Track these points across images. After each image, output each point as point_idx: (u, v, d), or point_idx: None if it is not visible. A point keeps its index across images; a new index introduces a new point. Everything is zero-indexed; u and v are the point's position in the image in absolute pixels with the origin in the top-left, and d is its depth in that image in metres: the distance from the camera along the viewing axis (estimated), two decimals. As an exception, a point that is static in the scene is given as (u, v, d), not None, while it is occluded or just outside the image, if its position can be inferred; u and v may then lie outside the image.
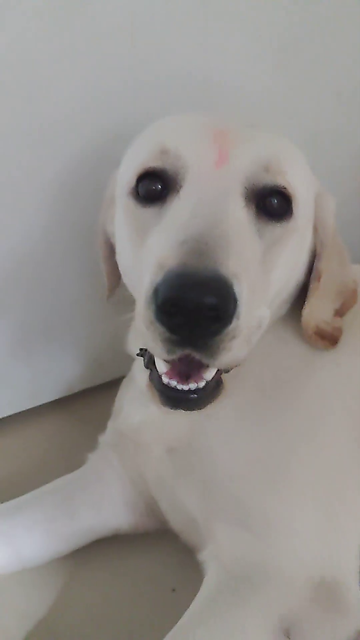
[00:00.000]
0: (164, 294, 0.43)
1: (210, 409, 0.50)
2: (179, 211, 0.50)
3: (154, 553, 0.68)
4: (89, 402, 0.91)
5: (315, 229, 0.60)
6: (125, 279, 0.61)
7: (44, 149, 0.73)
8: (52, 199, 0.76)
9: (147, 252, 0.51)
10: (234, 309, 0.44)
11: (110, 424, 0.73)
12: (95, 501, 0.68)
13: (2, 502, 0.68)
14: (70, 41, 0.69)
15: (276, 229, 0.53)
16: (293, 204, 0.54)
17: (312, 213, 0.59)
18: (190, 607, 0.51)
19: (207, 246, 0.45)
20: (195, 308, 0.42)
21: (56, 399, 0.90)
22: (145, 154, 0.54)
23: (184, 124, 0.56)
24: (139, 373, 0.66)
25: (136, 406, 0.66)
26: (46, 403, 0.89)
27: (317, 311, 0.59)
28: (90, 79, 0.72)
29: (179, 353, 0.45)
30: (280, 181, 0.53)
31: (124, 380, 0.74)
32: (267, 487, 0.54)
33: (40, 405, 0.89)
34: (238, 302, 0.44)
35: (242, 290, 0.45)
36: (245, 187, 0.52)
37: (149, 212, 0.53)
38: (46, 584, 0.65)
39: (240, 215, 0.50)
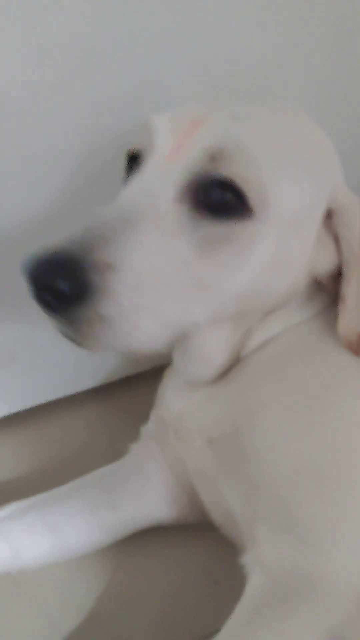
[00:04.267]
0: (27, 273, 0.46)
1: None
2: (124, 190, 0.51)
3: (197, 545, 0.67)
4: (131, 390, 0.89)
5: (336, 243, 0.54)
6: None
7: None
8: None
9: None
10: (85, 294, 0.45)
11: (153, 413, 0.71)
12: (137, 492, 0.67)
13: (42, 492, 0.68)
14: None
15: (217, 227, 0.49)
16: (249, 201, 0.48)
17: (311, 220, 0.53)
18: (233, 615, 0.50)
19: (90, 233, 0.46)
20: (42, 287, 0.45)
21: (98, 386, 0.89)
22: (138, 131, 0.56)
23: (179, 111, 0.54)
24: (177, 362, 0.64)
25: (178, 394, 0.65)
26: (88, 390, 0.88)
27: (352, 325, 0.55)
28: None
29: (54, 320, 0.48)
30: (222, 171, 0.48)
31: (168, 369, 0.73)
32: (315, 494, 0.51)
33: (82, 392, 0.88)
34: (95, 287, 0.45)
35: (113, 279, 0.45)
36: (188, 180, 0.49)
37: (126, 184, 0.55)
38: (91, 574, 0.65)
39: (162, 207, 0.49)
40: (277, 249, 0.51)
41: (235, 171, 0.48)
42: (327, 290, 0.58)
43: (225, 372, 0.60)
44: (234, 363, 0.60)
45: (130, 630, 0.60)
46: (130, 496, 0.66)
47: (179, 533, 0.67)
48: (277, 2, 0.73)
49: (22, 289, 0.48)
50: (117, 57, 0.67)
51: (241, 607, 0.50)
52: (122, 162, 0.60)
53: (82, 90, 0.67)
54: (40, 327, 0.67)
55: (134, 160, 0.56)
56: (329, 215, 0.54)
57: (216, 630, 0.49)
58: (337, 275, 0.56)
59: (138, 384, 0.89)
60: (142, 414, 0.73)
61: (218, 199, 0.48)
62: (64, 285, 0.45)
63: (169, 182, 0.50)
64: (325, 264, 0.55)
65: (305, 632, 0.46)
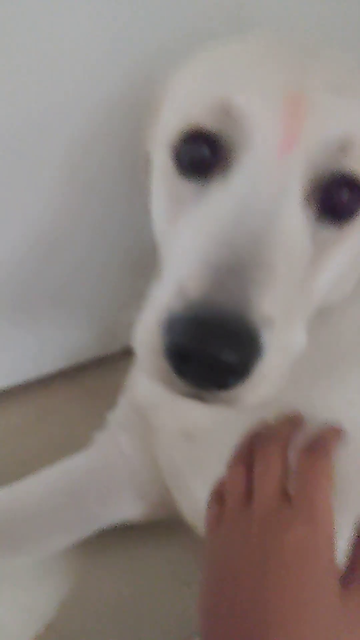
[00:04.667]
0: (175, 338, 0.36)
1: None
2: (222, 208, 0.40)
3: (167, 545, 0.62)
4: (99, 374, 0.83)
5: None
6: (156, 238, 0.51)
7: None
8: (63, 152, 0.67)
9: (176, 244, 0.42)
10: (257, 362, 0.36)
11: (122, 400, 0.66)
12: (102, 487, 0.61)
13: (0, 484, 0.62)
14: None
15: (335, 232, 0.43)
16: None
17: None
18: None
19: (242, 278, 0.36)
20: (209, 361, 0.35)
21: (63, 369, 0.83)
22: (198, 102, 0.42)
23: (252, 73, 0.43)
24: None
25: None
26: (51, 373, 0.82)
27: None
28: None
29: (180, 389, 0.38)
30: (353, 165, 0.41)
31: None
32: None
33: (44, 376, 0.81)
34: (264, 354, 0.36)
35: (273, 338, 0.37)
36: (310, 179, 0.41)
37: (189, 187, 0.43)
38: (50, 578, 0.60)
39: (295, 225, 0.40)
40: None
41: None
42: None
43: None
44: None
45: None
46: (94, 492, 0.61)
47: (146, 532, 0.63)
48: None
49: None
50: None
51: None
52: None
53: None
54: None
55: (191, 139, 0.43)
56: None
57: (188, 636, 0.46)
58: None
59: (106, 366, 0.83)
60: (111, 399, 0.67)
61: (344, 198, 0.42)
62: (235, 356, 0.35)
63: (292, 189, 0.40)
64: None
65: None
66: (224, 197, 0.40)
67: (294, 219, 0.40)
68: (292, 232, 0.39)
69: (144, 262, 0.61)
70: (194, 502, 0.54)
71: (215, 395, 0.37)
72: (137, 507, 0.61)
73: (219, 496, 0.48)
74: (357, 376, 0.51)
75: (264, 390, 0.38)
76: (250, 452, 0.48)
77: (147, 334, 0.38)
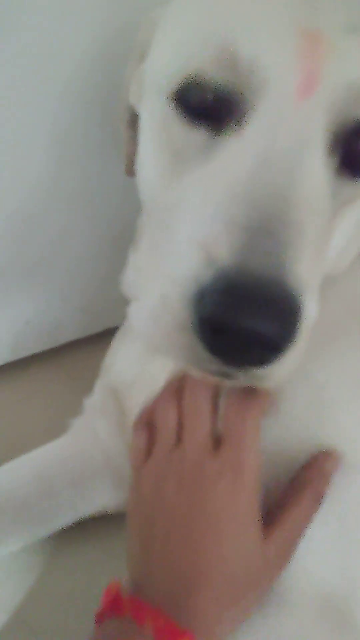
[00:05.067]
0: (215, 310, 0.31)
1: None
2: (239, 162, 0.36)
3: None
4: (79, 356, 0.80)
5: None
6: (142, 198, 0.46)
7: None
8: (38, 124, 0.62)
9: (184, 202, 0.37)
10: (298, 334, 0.32)
11: (99, 384, 0.63)
12: (76, 476, 0.58)
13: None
14: None
15: (352, 188, 0.39)
16: None
17: None
18: None
19: (275, 239, 0.32)
20: (250, 336, 0.31)
21: (41, 352, 0.79)
22: (199, 50, 0.37)
23: (256, 6, 0.37)
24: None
25: (131, 361, 0.57)
26: (29, 356, 0.78)
27: None
28: None
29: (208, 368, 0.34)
30: None
31: (119, 332, 0.63)
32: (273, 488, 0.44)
33: (22, 359, 0.78)
34: (304, 325, 0.33)
35: (310, 303, 0.33)
36: (332, 128, 0.36)
37: (195, 135, 0.38)
38: (21, 571, 0.56)
39: (318, 179, 0.36)
40: None
41: None
42: None
43: None
44: None
45: (63, 635, 0.52)
46: (69, 481, 0.58)
47: (121, 521, 0.59)
48: None
49: None
50: None
51: None
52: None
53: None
54: None
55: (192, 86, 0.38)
56: None
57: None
58: None
59: (86, 348, 0.80)
60: (92, 382, 0.64)
61: None
62: (279, 330, 0.31)
63: (314, 138, 0.36)
64: None
65: None
66: (240, 149, 0.36)
67: (318, 172, 0.36)
68: (316, 187, 0.35)
69: (124, 238, 0.57)
70: None
71: (248, 372, 0.33)
72: (113, 496, 0.58)
73: (146, 426, 0.47)
74: (341, 350, 0.47)
75: (294, 364, 0.34)
76: (181, 389, 0.46)
77: (164, 310, 0.34)
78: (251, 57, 0.35)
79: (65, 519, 0.57)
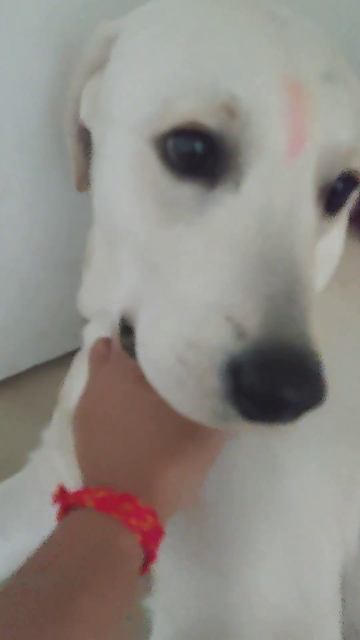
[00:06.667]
0: (256, 384, 0.32)
1: None
2: (242, 221, 0.36)
3: None
4: (39, 382, 0.77)
5: None
6: (106, 231, 0.46)
7: None
8: None
9: (184, 257, 0.37)
10: (325, 391, 0.34)
11: (56, 413, 0.60)
12: (34, 516, 0.56)
13: None
14: None
15: (329, 222, 0.41)
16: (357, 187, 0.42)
17: None
18: None
19: (297, 305, 0.34)
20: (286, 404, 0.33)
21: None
22: (189, 92, 0.36)
23: (239, 50, 0.37)
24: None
25: None
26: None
27: None
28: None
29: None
30: (353, 165, 0.39)
31: (77, 356, 0.61)
32: (229, 513, 0.43)
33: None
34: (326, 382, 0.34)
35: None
36: (319, 183, 0.38)
37: (185, 189, 0.38)
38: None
39: (311, 229, 0.38)
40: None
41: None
42: None
43: None
44: None
45: None
46: (27, 522, 0.55)
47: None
48: None
49: None
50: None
51: None
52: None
53: None
54: None
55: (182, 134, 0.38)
56: None
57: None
58: None
59: (46, 373, 0.77)
60: (54, 409, 0.61)
61: (342, 193, 0.41)
62: (313, 396, 0.33)
63: (306, 192, 0.37)
64: None
65: None
66: (241, 206, 0.36)
67: (310, 224, 0.37)
68: (310, 238, 0.37)
69: (80, 261, 0.55)
70: None
71: (275, 426, 0.35)
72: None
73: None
74: None
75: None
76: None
77: (189, 376, 0.34)
78: (249, 107, 0.35)
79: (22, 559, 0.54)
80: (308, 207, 0.37)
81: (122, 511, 0.36)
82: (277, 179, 0.36)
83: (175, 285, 0.37)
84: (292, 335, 0.33)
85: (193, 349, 0.34)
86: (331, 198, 0.40)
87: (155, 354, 0.36)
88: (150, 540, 0.36)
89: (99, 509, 0.36)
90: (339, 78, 0.39)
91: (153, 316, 0.38)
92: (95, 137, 0.45)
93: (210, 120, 0.36)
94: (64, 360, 0.67)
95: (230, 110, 0.35)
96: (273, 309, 0.33)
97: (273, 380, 0.32)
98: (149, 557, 0.37)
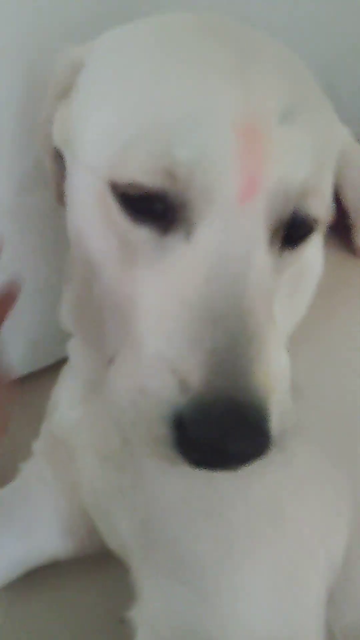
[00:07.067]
0: (196, 437, 0.34)
1: None
2: (193, 272, 0.37)
3: (97, 579, 0.59)
4: (32, 389, 0.78)
5: (339, 190, 0.46)
6: (77, 257, 0.46)
7: None
8: None
9: (142, 302, 0.38)
10: (271, 438, 0.35)
11: (45, 424, 0.62)
12: (25, 527, 0.58)
13: None
14: None
15: (290, 255, 0.41)
16: (319, 225, 0.42)
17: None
18: None
19: (241, 358, 0.35)
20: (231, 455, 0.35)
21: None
22: (132, 154, 0.37)
23: (195, 97, 0.37)
24: (77, 357, 0.54)
25: (74, 400, 0.56)
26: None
27: None
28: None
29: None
30: (310, 210, 0.40)
31: (64, 368, 0.62)
32: (210, 532, 0.43)
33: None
34: (274, 426, 0.35)
35: (274, 402, 0.35)
36: (273, 224, 0.39)
37: (141, 232, 0.38)
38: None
39: (267, 271, 0.38)
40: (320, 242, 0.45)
41: (318, 206, 0.40)
42: None
43: None
44: None
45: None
46: (17, 533, 0.58)
47: (74, 567, 0.59)
48: None
49: None
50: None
51: None
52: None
53: None
54: None
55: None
56: None
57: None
58: None
59: (40, 381, 0.78)
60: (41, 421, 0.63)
61: (304, 231, 0.41)
62: (255, 448, 0.35)
63: (259, 236, 0.38)
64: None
65: None
66: (192, 256, 0.37)
67: (265, 268, 0.38)
68: (265, 282, 0.38)
69: (65, 268, 0.56)
70: (116, 531, 0.50)
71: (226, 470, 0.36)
72: (64, 543, 0.58)
73: None
74: None
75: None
76: None
77: (140, 420, 0.36)
78: (190, 164, 0.36)
79: (14, 573, 0.57)
80: (261, 250, 0.38)
81: None
82: (228, 228, 0.37)
83: (135, 329, 0.38)
84: (233, 389, 0.34)
85: (144, 396, 0.35)
86: (291, 232, 0.40)
87: (116, 394, 0.38)
88: None
89: None
90: (300, 115, 0.39)
91: (120, 356, 0.39)
92: (67, 161, 0.46)
93: (151, 182, 0.36)
94: (58, 368, 0.69)
95: (171, 174, 0.36)
96: (215, 363, 0.34)
97: (214, 433, 0.33)
98: None
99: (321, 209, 0.41)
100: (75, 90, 0.44)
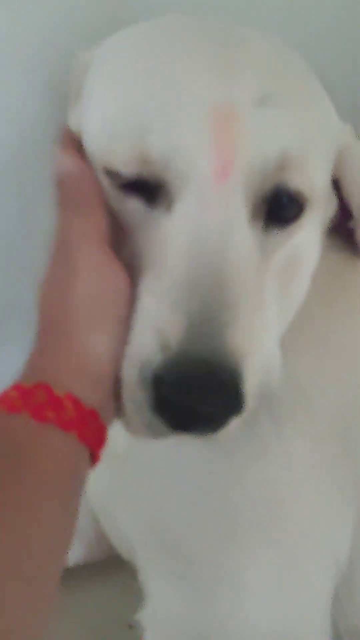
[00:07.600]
0: (170, 396, 0.35)
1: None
2: (173, 244, 0.39)
3: (105, 585, 0.59)
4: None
5: (339, 185, 0.47)
6: None
7: None
8: None
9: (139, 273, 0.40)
10: (243, 400, 0.37)
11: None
12: None
13: None
14: None
15: (283, 234, 0.42)
16: (307, 205, 0.42)
17: (329, 178, 0.46)
18: None
19: (214, 322, 0.37)
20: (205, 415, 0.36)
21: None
22: (113, 148, 0.40)
23: (172, 85, 0.39)
24: None
25: None
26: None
27: None
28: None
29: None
30: (290, 184, 0.40)
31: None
32: (213, 532, 0.44)
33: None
34: (247, 390, 0.37)
35: (249, 366, 0.37)
36: (253, 199, 0.40)
37: (130, 205, 0.41)
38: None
39: (247, 245, 0.39)
40: (317, 232, 0.45)
41: (300, 180, 0.41)
42: None
43: None
44: None
45: None
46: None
47: (83, 573, 0.59)
48: None
49: None
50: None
51: None
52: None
53: None
54: None
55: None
56: None
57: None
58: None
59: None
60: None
61: (290, 208, 0.42)
62: (226, 408, 0.36)
63: (238, 212, 0.39)
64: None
65: None
66: (172, 230, 0.39)
67: (245, 240, 0.39)
68: (245, 254, 0.39)
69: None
70: (121, 533, 0.51)
71: (202, 434, 0.37)
72: (73, 549, 0.57)
73: None
74: None
75: (247, 411, 0.38)
76: None
77: (127, 391, 0.37)
78: (163, 147, 0.38)
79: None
80: (240, 223, 0.39)
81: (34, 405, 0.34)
82: (206, 204, 0.38)
83: (136, 295, 0.39)
84: (206, 350, 0.35)
85: (127, 359, 0.37)
86: (275, 208, 0.41)
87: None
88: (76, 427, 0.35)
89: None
90: (280, 99, 0.40)
91: None
92: None
93: (129, 172, 0.39)
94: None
95: (146, 159, 0.38)
96: (192, 326, 0.36)
97: (184, 392, 0.35)
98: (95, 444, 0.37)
99: (305, 185, 0.41)
100: (83, 91, 0.46)
